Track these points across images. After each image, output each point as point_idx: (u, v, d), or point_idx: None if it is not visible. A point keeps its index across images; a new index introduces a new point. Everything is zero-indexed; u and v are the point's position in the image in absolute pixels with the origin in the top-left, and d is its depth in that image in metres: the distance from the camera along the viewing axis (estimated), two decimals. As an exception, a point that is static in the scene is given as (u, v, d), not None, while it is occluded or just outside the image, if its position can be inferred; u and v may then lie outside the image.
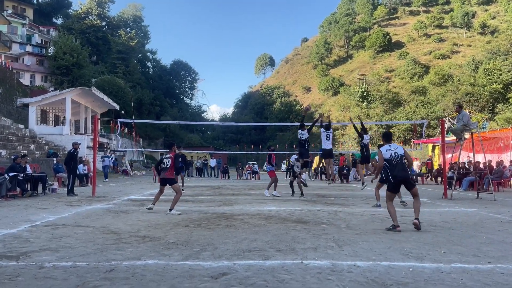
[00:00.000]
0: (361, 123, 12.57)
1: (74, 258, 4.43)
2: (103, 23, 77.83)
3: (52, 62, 54.81)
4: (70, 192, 12.62)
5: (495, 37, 73.28)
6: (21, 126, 28.09)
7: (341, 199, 12.13)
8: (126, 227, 6.52)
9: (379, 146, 10.91)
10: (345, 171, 23.56)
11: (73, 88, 31.99)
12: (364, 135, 11.90)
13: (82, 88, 31.15)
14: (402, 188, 6.81)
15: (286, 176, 26.93)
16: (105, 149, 32.45)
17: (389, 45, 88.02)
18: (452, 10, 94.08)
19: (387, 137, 6.97)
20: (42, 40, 63.95)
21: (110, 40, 71.57)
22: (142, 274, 3.81)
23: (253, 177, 28.97)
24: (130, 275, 3.79)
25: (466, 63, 66.72)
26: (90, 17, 75.53)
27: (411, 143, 41.73)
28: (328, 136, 12.05)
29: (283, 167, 37.70)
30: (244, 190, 15.69)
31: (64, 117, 31.09)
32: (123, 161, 34.67)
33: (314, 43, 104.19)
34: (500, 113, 50.51)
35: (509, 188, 17.85)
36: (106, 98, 33.67)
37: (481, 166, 16.52)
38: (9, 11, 60.59)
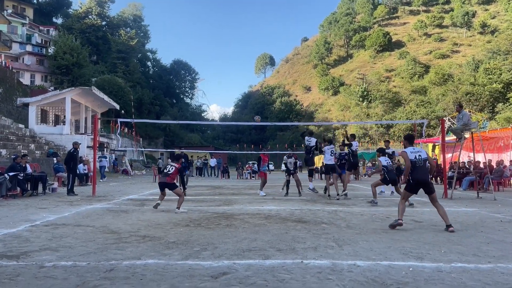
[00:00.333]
0: (346, 135, 13.18)
1: (74, 257, 4.43)
2: (103, 23, 77.86)
3: (52, 61, 54.83)
4: (70, 191, 12.62)
5: (495, 36, 73.26)
6: (21, 125, 28.07)
7: (341, 198, 12.10)
8: (126, 227, 6.52)
9: (379, 151, 11.10)
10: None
11: (73, 88, 31.98)
12: (353, 142, 11.97)
13: (82, 87, 31.14)
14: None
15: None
16: (105, 148, 32.46)
17: (389, 45, 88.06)
18: (452, 10, 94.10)
19: (411, 140, 7.08)
20: (42, 39, 63.97)
21: (110, 39, 71.59)
22: (142, 274, 3.81)
23: (253, 177, 28.98)
24: (130, 274, 3.79)
25: (466, 62, 66.72)
26: (90, 16, 75.55)
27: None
28: (332, 152, 12.15)
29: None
30: (244, 189, 15.69)
31: (65, 116, 31.06)
32: (123, 161, 34.68)
33: (314, 43, 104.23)
34: (500, 113, 50.52)
35: (509, 187, 17.84)
36: (106, 97, 33.66)
37: (481, 165, 16.53)
38: (9, 11, 60.57)
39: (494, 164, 17.29)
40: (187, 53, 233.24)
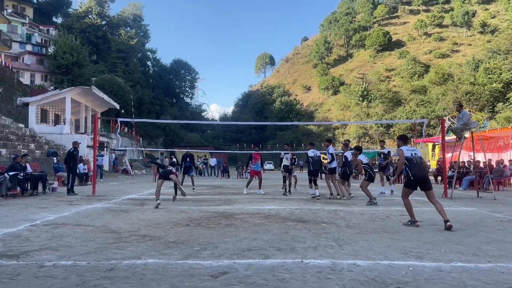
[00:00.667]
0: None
1: (74, 257, 4.43)
2: (103, 22, 77.88)
3: (52, 61, 54.84)
4: (70, 191, 12.62)
5: (495, 36, 73.24)
6: (21, 125, 28.07)
7: (341, 198, 12.11)
8: (126, 226, 6.53)
9: (356, 148, 11.21)
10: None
11: (73, 87, 31.97)
12: (347, 152, 11.89)
13: (82, 87, 31.13)
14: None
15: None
16: (105, 148, 32.45)
17: (389, 44, 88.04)
18: (452, 9, 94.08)
19: (405, 139, 7.29)
20: (42, 39, 63.97)
21: (110, 39, 71.60)
22: (142, 273, 3.81)
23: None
24: (130, 274, 3.79)
25: (466, 62, 66.72)
26: (90, 16, 75.57)
27: (411, 142, 41.76)
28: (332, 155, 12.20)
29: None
30: (244, 189, 15.66)
31: (69, 115, 31.05)
32: (123, 160, 34.68)
33: (314, 42, 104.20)
34: (500, 112, 50.51)
35: (509, 187, 17.84)
36: (106, 97, 33.66)
37: (481, 165, 16.53)
38: (9, 10, 60.60)
39: (494, 163, 17.29)
40: (187, 53, 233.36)
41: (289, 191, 13.65)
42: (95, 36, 72.59)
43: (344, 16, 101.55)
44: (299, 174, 18.51)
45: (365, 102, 70.34)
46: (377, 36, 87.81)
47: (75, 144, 13.52)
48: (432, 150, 34.26)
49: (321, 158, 13.81)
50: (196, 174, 32.48)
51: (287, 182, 13.67)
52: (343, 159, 11.93)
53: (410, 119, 53.50)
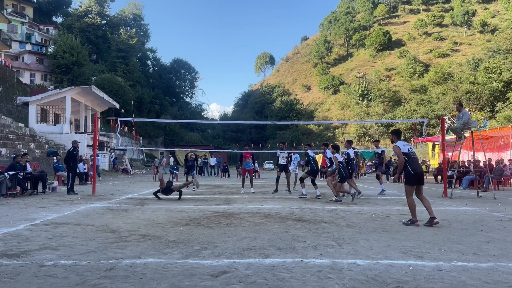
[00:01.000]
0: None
1: (75, 256, 4.43)
2: (103, 22, 77.91)
3: (52, 60, 54.85)
4: (70, 190, 12.63)
5: (495, 35, 73.19)
6: (21, 124, 28.06)
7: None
8: (126, 226, 6.53)
9: (333, 147, 11.27)
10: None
11: (73, 87, 31.96)
12: (350, 150, 11.88)
13: (82, 86, 31.12)
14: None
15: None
16: (105, 147, 32.44)
17: (389, 44, 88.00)
18: (452, 9, 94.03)
19: (399, 134, 7.26)
20: (42, 38, 63.95)
21: (110, 38, 71.60)
22: (142, 273, 3.81)
23: (253, 176, 28.96)
24: (131, 273, 3.80)
25: (466, 61, 66.69)
26: (90, 15, 75.61)
27: (411, 142, 41.74)
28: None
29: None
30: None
31: (64, 115, 31.05)
32: (123, 160, 34.68)
33: (314, 42, 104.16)
34: (500, 112, 50.50)
35: (509, 186, 17.84)
36: (106, 96, 33.66)
37: (481, 164, 16.53)
38: (9, 10, 60.59)
39: (494, 163, 17.29)
40: (186, 52, 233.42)
41: (289, 190, 13.66)
42: (95, 36, 72.59)
43: (344, 16, 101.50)
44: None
45: (365, 102, 70.31)
46: (377, 36, 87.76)
47: (75, 144, 13.52)
48: (432, 150, 34.27)
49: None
50: (197, 173, 32.52)
51: (288, 180, 13.77)
52: (345, 156, 11.95)
53: (410, 118, 53.47)
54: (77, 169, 15.14)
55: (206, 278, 3.66)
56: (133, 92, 59.35)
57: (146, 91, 70.31)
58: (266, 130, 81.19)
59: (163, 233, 5.86)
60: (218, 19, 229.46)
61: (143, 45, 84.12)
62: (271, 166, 52.95)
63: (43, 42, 63.22)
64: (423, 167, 23.61)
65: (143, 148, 44.57)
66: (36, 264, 4.10)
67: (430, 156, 34.39)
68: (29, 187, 12.54)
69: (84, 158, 19.49)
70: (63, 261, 4.24)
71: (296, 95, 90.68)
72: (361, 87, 72.72)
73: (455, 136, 14.63)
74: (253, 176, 14.92)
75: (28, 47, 58.17)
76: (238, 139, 76.09)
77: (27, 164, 13.16)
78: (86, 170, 18.82)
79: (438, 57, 77.93)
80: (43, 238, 5.44)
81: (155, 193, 11.39)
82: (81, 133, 31.45)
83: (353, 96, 72.29)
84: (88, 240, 5.32)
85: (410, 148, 6.78)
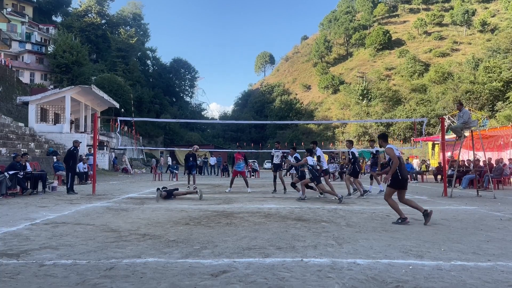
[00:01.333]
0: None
1: (74, 256, 4.43)
2: (103, 21, 77.86)
3: (51, 60, 54.82)
4: (70, 190, 12.63)
5: (495, 35, 73.13)
6: (21, 124, 28.07)
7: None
8: (126, 225, 6.53)
9: (307, 151, 11.55)
10: (345, 169, 23.55)
11: (73, 86, 31.98)
12: (353, 149, 11.94)
13: (82, 86, 31.13)
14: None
15: (286, 174, 26.94)
16: (105, 147, 32.43)
17: (389, 43, 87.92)
18: (452, 8, 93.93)
19: (386, 138, 7.38)
20: (41, 38, 63.92)
21: (109, 38, 71.58)
22: (142, 272, 3.81)
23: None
24: (130, 273, 3.80)
25: (466, 61, 66.63)
26: (89, 15, 75.56)
27: (411, 141, 41.74)
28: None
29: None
30: (244, 188, 15.68)
31: (64, 114, 31.04)
32: (123, 159, 34.68)
33: (314, 41, 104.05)
34: (500, 111, 50.49)
35: (509, 186, 17.85)
36: (106, 96, 33.66)
37: (481, 164, 16.53)
38: (9, 9, 60.56)
39: (493, 162, 17.30)
40: (186, 52, 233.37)
41: (285, 188, 13.69)
42: (95, 35, 72.55)
43: (344, 15, 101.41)
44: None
45: (365, 101, 70.28)
46: (377, 35, 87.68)
47: (76, 143, 13.51)
48: (432, 149, 34.29)
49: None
50: (197, 172, 32.52)
51: (281, 179, 13.80)
52: (350, 155, 11.98)
53: (410, 118, 53.48)
54: (77, 169, 15.15)
55: (206, 277, 3.66)
56: (133, 91, 59.32)
57: (146, 91, 70.29)
58: (266, 130, 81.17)
59: (163, 233, 5.87)
60: (218, 18, 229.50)
61: (143, 45, 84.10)
62: (270, 165, 52.96)
63: (42, 41, 63.19)
64: (423, 166, 23.64)
65: (143, 148, 44.55)
66: (36, 264, 4.10)
67: (430, 155, 34.41)
68: (29, 187, 12.54)
69: (84, 157, 19.49)
70: (63, 260, 4.24)
71: (296, 94, 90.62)
72: (361, 86, 72.68)
73: (455, 136, 14.63)
74: (247, 176, 14.98)
75: (28, 46, 58.14)
76: (238, 138, 76.03)
77: (27, 164, 13.16)
78: (86, 170, 18.82)
79: (438, 57, 77.87)
80: (43, 238, 5.44)
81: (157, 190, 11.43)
82: (81, 132, 31.46)
83: (353, 95, 72.26)
84: (88, 240, 5.32)
85: (399, 153, 6.93)
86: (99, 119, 25.73)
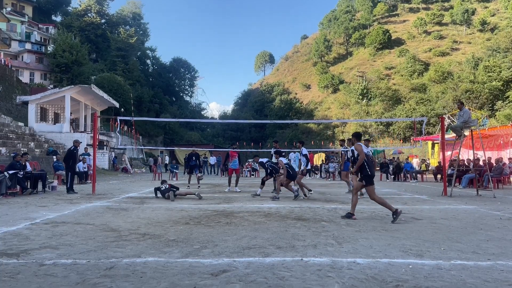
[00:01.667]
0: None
1: (74, 255, 4.43)
2: (103, 21, 77.76)
3: (51, 59, 54.78)
4: (70, 189, 12.62)
5: (495, 34, 73.10)
6: (20, 124, 28.06)
7: (341, 196, 12.13)
8: (126, 225, 6.53)
9: (276, 152, 11.73)
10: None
11: (73, 86, 31.96)
12: (353, 147, 11.92)
13: (81, 85, 31.11)
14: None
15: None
16: (105, 146, 32.42)
17: (389, 43, 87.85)
18: (452, 7, 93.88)
19: (359, 137, 7.83)
20: (41, 37, 63.85)
21: (109, 37, 71.52)
22: (142, 272, 3.82)
23: (252, 175, 29.02)
24: (130, 272, 3.80)
25: (466, 60, 66.59)
26: (89, 14, 75.48)
27: (411, 141, 41.74)
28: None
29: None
30: (243, 187, 15.69)
31: (64, 114, 31.04)
32: (123, 159, 34.69)
33: (314, 41, 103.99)
34: (499, 110, 50.48)
35: (508, 185, 17.86)
36: (105, 95, 33.65)
37: (481, 163, 16.54)
38: (8, 9, 60.51)
39: (493, 161, 17.31)
40: (186, 51, 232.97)
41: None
42: (95, 35, 72.46)
43: (344, 14, 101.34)
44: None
45: (364, 101, 70.26)
46: (377, 34, 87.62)
47: (76, 143, 13.51)
48: (431, 149, 34.29)
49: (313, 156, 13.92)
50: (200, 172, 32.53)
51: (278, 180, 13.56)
52: (350, 153, 11.96)
53: (409, 117, 53.46)
54: (77, 168, 15.14)
55: (206, 277, 3.66)
56: (133, 91, 59.28)
57: (146, 90, 70.24)
58: (265, 129, 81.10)
59: (163, 232, 5.87)
60: (218, 18, 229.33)
61: (143, 44, 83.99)
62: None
63: (42, 41, 63.12)
64: (423, 165, 23.66)
65: (142, 147, 44.54)
66: (36, 263, 4.10)
67: (430, 154, 34.42)
68: (29, 186, 12.54)
69: (83, 157, 19.48)
70: (63, 260, 4.24)
71: (296, 94, 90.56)
72: (361, 86, 72.64)
73: (454, 135, 14.63)
74: (241, 175, 15.08)
75: (28, 46, 58.11)
76: (238, 138, 75.97)
77: (27, 163, 13.16)
78: (85, 169, 18.82)
79: (437, 56, 77.83)
80: (43, 237, 5.45)
81: (155, 189, 11.59)
82: (81, 132, 31.45)
83: (352, 95, 72.23)
84: (88, 239, 5.33)
85: (369, 151, 7.36)
86: (99, 118, 25.74)
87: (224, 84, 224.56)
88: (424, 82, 68.38)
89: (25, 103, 31.06)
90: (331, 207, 9.17)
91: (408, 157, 33.87)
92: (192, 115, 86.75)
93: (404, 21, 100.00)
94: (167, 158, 36.68)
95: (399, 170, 22.77)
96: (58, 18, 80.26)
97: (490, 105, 53.66)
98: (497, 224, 6.81)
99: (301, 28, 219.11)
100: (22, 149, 20.77)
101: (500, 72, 54.97)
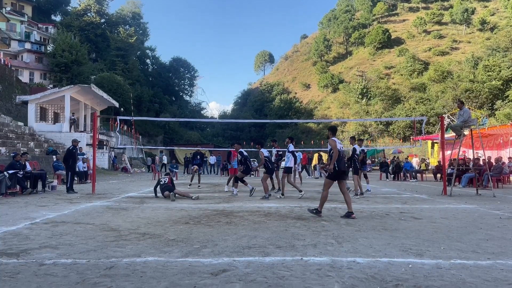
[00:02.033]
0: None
1: (74, 255, 4.43)
2: (102, 20, 77.72)
3: (51, 59, 54.76)
4: (70, 189, 12.62)
5: (495, 33, 73.11)
6: (20, 123, 28.06)
7: (340, 196, 12.09)
8: (126, 224, 6.53)
9: (258, 143, 11.87)
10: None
11: (72, 86, 31.95)
12: (355, 145, 11.95)
13: (81, 85, 31.10)
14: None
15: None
16: (104, 146, 32.40)
17: (388, 42, 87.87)
18: (451, 7, 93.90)
19: (334, 131, 7.85)
20: (41, 37, 63.82)
21: (109, 37, 71.50)
22: (142, 271, 3.82)
23: (252, 174, 28.98)
24: (130, 272, 3.80)
25: (466, 59, 66.60)
26: (89, 14, 75.43)
27: (411, 140, 41.77)
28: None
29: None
30: (243, 187, 15.67)
31: (64, 114, 31.02)
32: (123, 159, 34.68)
33: (314, 40, 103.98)
34: (499, 110, 50.47)
35: (508, 184, 17.87)
36: (105, 95, 33.63)
37: (481, 162, 16.55)
38: (8, 8, 60.46)
39: (493, 161, 17.31)
40: (186, 51, 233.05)
41: (276, 188, 13.06)
42: (94, 34, 72.42)
43: (344, 14, 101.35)
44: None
45: (364, 100, 70.28)
46: (377, 34, 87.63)
47: (75, 142, 13.51)
48: (431, 148, 34.30)
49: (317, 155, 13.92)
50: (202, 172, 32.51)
51: (277, 179, 13.25)
52: (351, 152, 12.00)
53: (409, 116, 53.48)
54: (77, 168, 15.13)
55: (206, 276, 3.66)
56: (133, 90, 59.25)
57: (146, 90, 70.23)
58: (265, 129, 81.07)
59: (162, 232, 5.87)
60: (218, 17, 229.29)
61: (142, 44, 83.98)
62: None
63: (42, 40, 63.09)
64: (423, 165, 23.66)
65: (142, 147, 44.53)
66: (36, 263, 4.10)
67: (430, 154, 34.42)
68: (28, 186, 12.54)
69: (83, 157, 19.47)
70: (63, 259, 4.24)
71: (296, 93, 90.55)
72: (361, 85, 72.66)
73: (454, 134, 14.63)
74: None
75: (27, 45, 58.07)
76: (237, 137, 75.95)
77: (27, 163, 13.16)
78: (85, 169, 18.82)
79: (437, 55, 77.84)
80: (43, 237, 5.44)
81: (155, 188, 11.66)
82: (81, 132, 31.44)
83: (352, 94, 72.25)
84: (88, 239, 5.33)
85: (342, 147, 7.44)
86: (99, 118, 25.74)
87: (224, 84, 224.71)
88: (423, 82, 68.38)
89: (25, 103, 31.05)
90: (330, 206, 9.17)
91: (407, 156, 33.88)
92: (191, 114, 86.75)
93: (404, 20, 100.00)
94: (164, 157, 36.67)
95: (398, 170, 22.77)
96: (58, 18, 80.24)
97: (490, 104, 53.68)
98: (496, 223, 6.82)
99: (300, 27, 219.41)
100: (21, 148, 20.76)
101: (500, 71, 54.96)
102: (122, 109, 46.01)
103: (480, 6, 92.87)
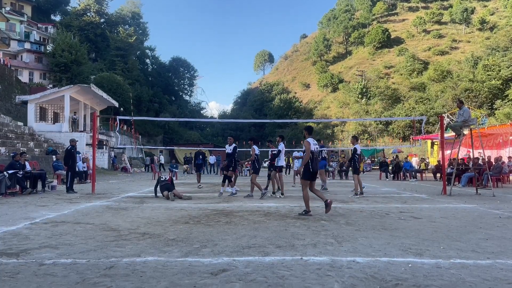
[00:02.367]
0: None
1: (74, 255, 4.43)
2: (102, 20, 77.70)
3: (50, 59, 54.72)
4: (70, 189, 12.62)
5: (494, 33, 73.09)
6: (20, 123, 28.04)
7: (340, 195, 12.13)
8: (125, 224, 6.53)
9: (251, 139, 11.92)
10: (344, 168, 23.59)
11: (72, 85, 31.92)
12: (356, 145, 11.94)
13: (81, 85, 31.08)
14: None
15: (286, 173, 26.98)
16: (104, 146, 32.39)
17: (388, 41, 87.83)
18: (451, 6, 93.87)
19: (310, 131, 7.88)
20: (40, 37, 63.78)
21: (108, 37, 71.48)
22: (142, 271, 3.82)
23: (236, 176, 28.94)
24: (130, 271, 3.80)
25: (465, 59, 66.55)
26: (88, 14, 75.39)
27: (410, 140, 41.74)
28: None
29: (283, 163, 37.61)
30: (243, 186, 15.68)
31: (63, 113, 31.00)
32: (123, 158, 34.67)
33: (313, 40, 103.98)
34: (499, 109, 50.46)
35: (508, 184, 17.87)
36: (105, 95, 33.62)
37: (480, 162, 16.56)
38: (7, 8, 60.40)
39: (493, 160, 17.32)
40: (185, 51, 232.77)
41: (276, 189, 12.65)
42: (94, 34, 72.39)
43: (343, 13, 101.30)
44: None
45: (364, 100, 70.26)
46: (376, 33, 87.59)
47: (73, 142, 13.50)
48: (431, 147, 34.31)
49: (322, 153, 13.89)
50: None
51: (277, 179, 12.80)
52: (352, 151, 12.01)
53: (409, 116, 53.46)
54: (77, 168, 15.13)
55: (206, 276, 3.67)
56: (132, 90, 59.23)
57: (145, 90, 70.21)
58: (265, 128, 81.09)
59: (162, 232, 5.87)
60: (217, 17, 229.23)
61: (142, 44, 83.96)
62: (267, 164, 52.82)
63: (41, 40, 63.04)
64: (422, 164, 23.66)
65: (142, 147, 44.51)
66: (35, 263, 4.10)
67: (429, 153, 34.43)
68: (28, 186, 12.54)
69: (83, 156, 19.47)
70: (62, 259, 4.24)
71: (295, 93, 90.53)
72: (360, 85, 72.65)
73: (454, 134, 14.63)
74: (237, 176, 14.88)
75: (27, 45, 58.01)
76: (237, 137, 75.93)
77: (26, 163, 13.16)
78: (85, 169, 18.81)
79: (437, 55, 77.80)
80: (42, 237, 5.44)
81: (155, 188, 11.67)
82: (80, 131, 31.42)
83: (352, 94, 72.23)
84: (87, 239, 5.33)
85: (317, 148, 7.55)
86: (98, 118, 25.71)
87: (224, 84, 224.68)
88: (423, 81, 68.36)
89: (25, 103, 31.03)
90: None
91: (407, 156, 33.88)
92: (191, 114, 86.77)
93: (404, 20, 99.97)
94: (162, 157, 36.68)
95: (398, 169, 22.77)
96: (57, 18, 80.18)
97: (490, 104, 53.67)
98: (496, 222, 6.82)
99: (300, 27, 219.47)
100: (21, 148, 20.75)
101: (499, 71, 54.95)
102: (121, 109, 46.00)
103: (479, 6, 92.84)
